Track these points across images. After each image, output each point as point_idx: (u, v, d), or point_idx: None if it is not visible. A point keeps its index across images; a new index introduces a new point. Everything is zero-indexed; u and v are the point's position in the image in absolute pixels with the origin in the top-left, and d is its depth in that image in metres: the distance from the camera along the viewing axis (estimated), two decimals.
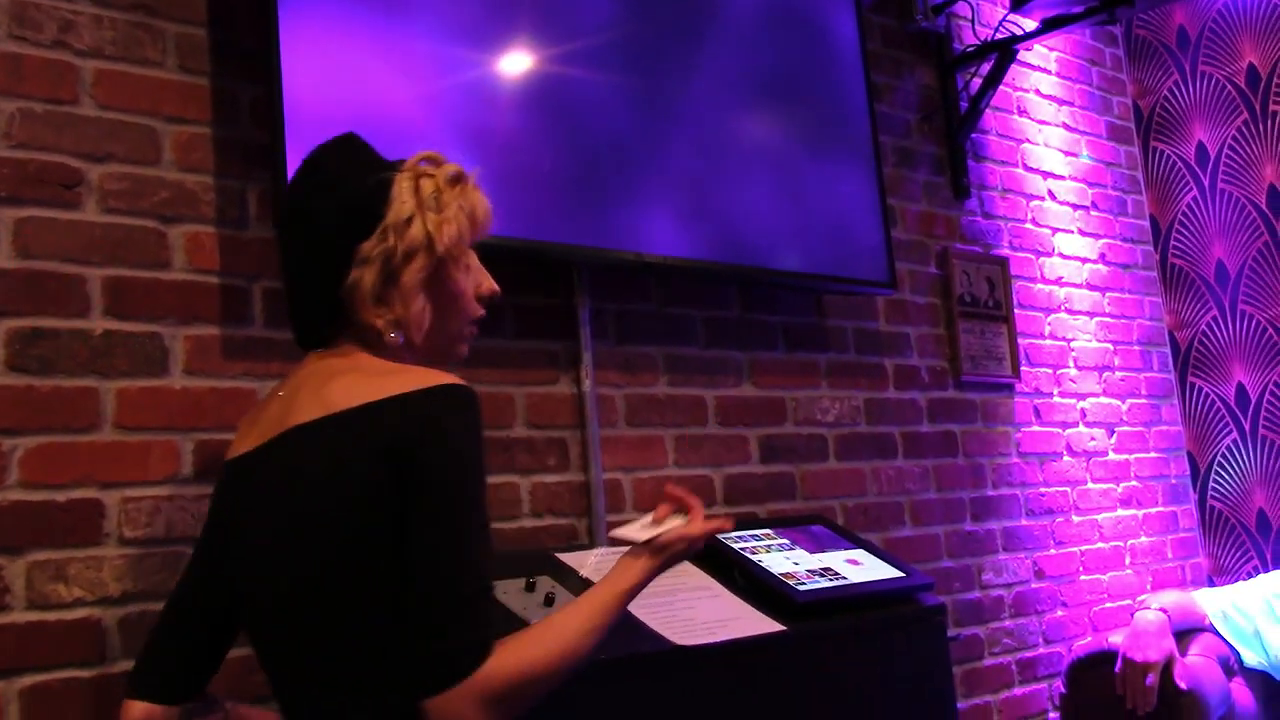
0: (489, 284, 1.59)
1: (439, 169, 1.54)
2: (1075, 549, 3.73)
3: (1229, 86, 4.21)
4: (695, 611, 2.16)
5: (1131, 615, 3.12)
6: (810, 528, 2.67)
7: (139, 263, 2.01)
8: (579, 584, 2.13)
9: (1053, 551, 3.65)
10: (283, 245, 1.56)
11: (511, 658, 1.32)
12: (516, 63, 2.45)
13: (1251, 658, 3.20)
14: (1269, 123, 4.10)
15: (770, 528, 2.60)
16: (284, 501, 1.41)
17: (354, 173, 1.50)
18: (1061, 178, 4.09)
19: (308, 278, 1.51)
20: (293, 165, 1.80)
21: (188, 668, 1.56)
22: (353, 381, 1.42)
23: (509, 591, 2.01)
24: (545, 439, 2.49)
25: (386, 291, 1.46)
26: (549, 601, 1.99)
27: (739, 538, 2.47)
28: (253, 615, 1.49)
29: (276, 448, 1.45)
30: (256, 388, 2.09)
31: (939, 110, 3.68)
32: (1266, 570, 4.01)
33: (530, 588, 2.04)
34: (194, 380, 2.04)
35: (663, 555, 1.56)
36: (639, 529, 1.58)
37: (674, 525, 1.58)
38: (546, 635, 1.39)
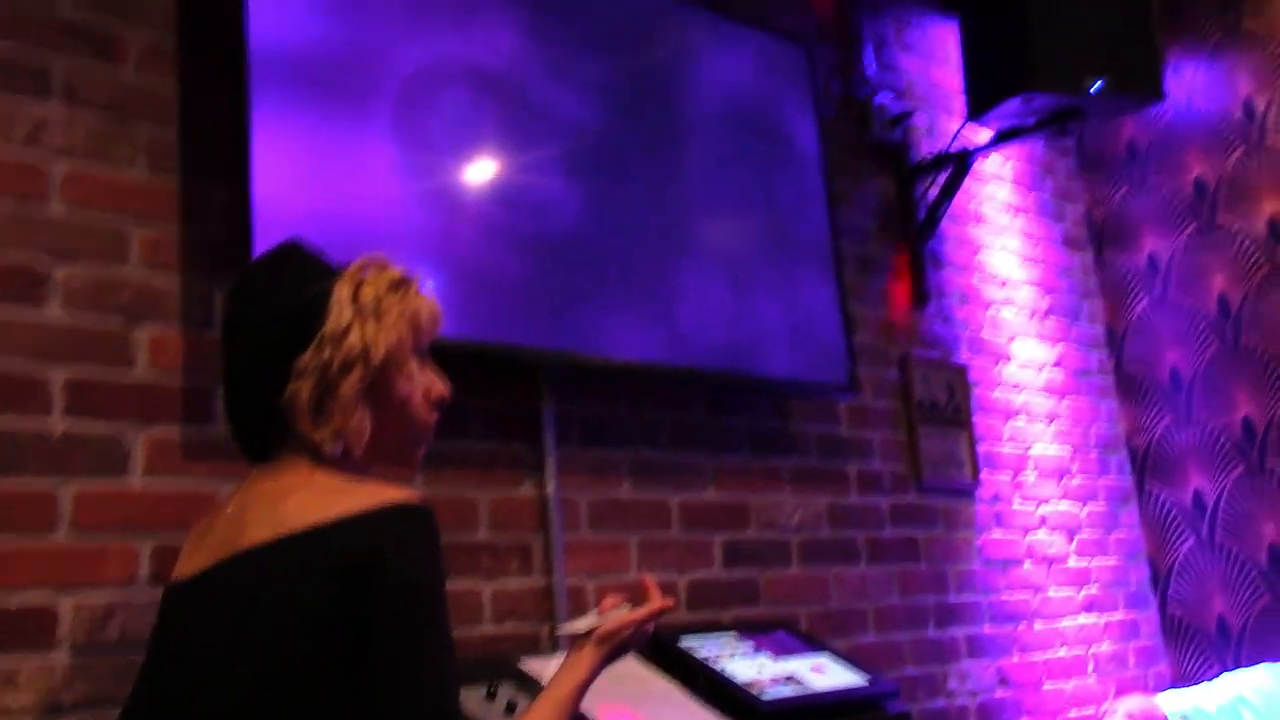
0: (439, 388, 1.56)
1: (381, 274, 1.51)
2: (1039, 656, 3.72)
3: (1178, 197, 4.33)
4: (660, 719, 2.13)
5: None
6: (774, 633, 2.65)
7: (102, 362, 1.99)
8: (541, 691, 2.09)
9: (1016, 659, 3.64)
10: (224, 355, 1.53)
11: None
12: (482, 169, 2.49)
13: None
14: (1216, 234, 4.21)
15: (735, 633, 2.57)
16: (234, 629, 1.36)
17: (293, 282, 1.48)
18: (1018, 284, 4.16)
19: (247, 389, 1.48)
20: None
21: None
22: (304, 500, 1.39)
23: (470, 699, 1.97)
24: (508, 543, 2.47)
25: (324, 403, 1.43)
26: (510, 709, 1.96)
27: (703, 644, 2.45)
28: None
29: (225, 572, 1.41)
30: (218, 489, 2.06)
31: (898, 218, 3.75)
32: None
33: (491, 695, 2.00)
34: (154, 482, 2.01)
35: (607, 645, 1.56)
36: (584, 622, 1.58)
37: (617, 615, 1.57)
38: None
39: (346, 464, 1.47)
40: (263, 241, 2.01)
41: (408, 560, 1.33)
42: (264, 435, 1.48)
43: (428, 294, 1.56)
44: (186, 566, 1.49)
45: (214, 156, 2.19)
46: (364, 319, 1.46)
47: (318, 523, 1.35)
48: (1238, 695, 3.21)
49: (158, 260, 2.10)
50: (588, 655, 1.55)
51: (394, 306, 1.49)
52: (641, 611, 1.61)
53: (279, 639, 1.32)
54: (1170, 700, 3.25)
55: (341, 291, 1.47)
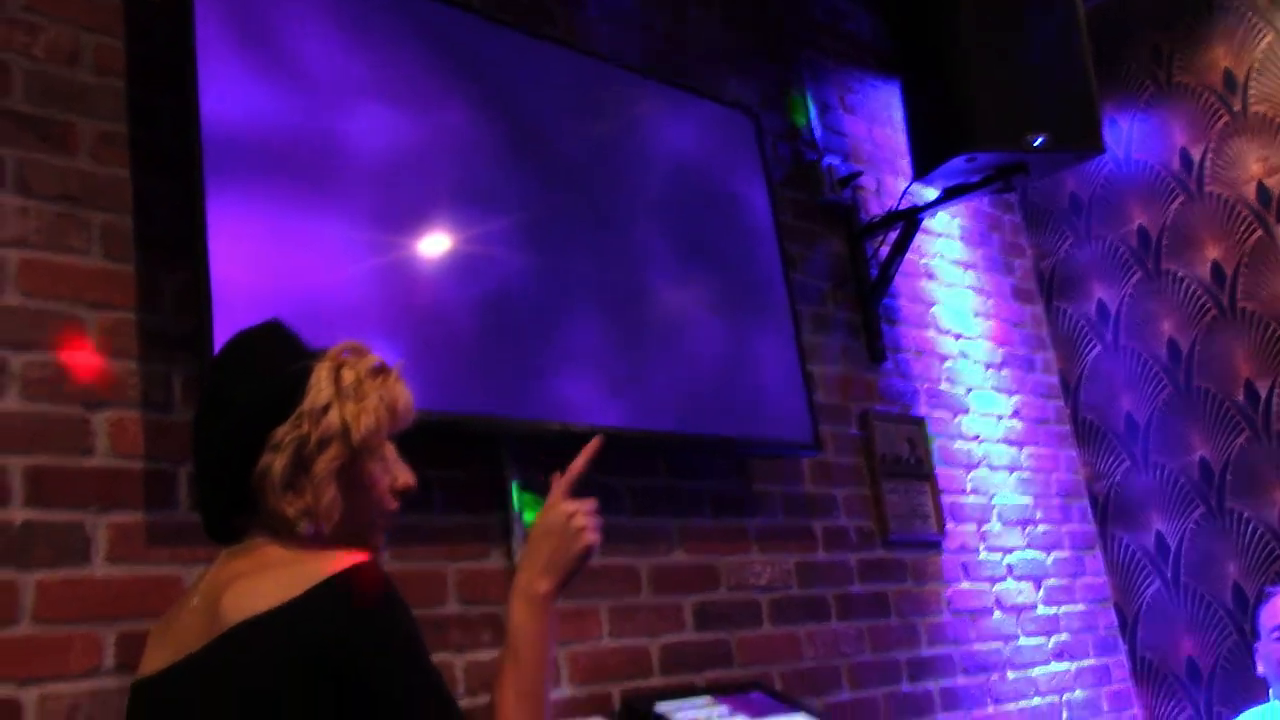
0: (405, 478, 1.55)
1: (361, 359, 1.52)
2: (1013, 705, 3.72)
3: (1122, 247, 4.42)
4: None
5: None
6: (749, 695, 2.65)
7: (62, 449, 1.98)
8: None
9: (991, 710, 3.64)
10: (196, 430, 1.52)
11: None
12: (438, 243, 2.51)
13: None
14: (1162, 279, 4.30)
15: (710, 694, 2.56)
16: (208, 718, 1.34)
17: (274, 359, 1.49)
18: (972, 338, 4.22)
19: (219, 462, 1.47)
20: (219, 348, 1.81)
21: None
22: (256, 584, 1.37)
23: None
24: (479, 614, 2.46)
25: (297, 479, 1.43)
26: None
27: (679, 709, 2.44)
28: None
29: (185, 670, 1.38)
30: (182, 574, 2.05)
31: (850, 277, 3.80)
32: None
33: None
34: (117, 569, 1.99)
35: (548, 573, 1.55)
36: None
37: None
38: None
39: (311, 545, 1.44)
40: (221, 323, 2.02)
41: (372, 626, 1.32)
42: (231, 512, 1.47)
43: (405, 384, 1.56)
44: (150, 663, 1.46)
45: (169, 241, 2.20)
46: (344, 399, 1.46)
47: (271, 606, 1.33)
48: None
49: (115, 347, 2.10)
50: (538, 597, 1.53)
51: (374, 390, 1.50)
52: (554, 493, 1.63)
53: None
54: None
55: (321, 371, 1.47)
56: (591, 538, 1.59)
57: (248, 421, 1.44)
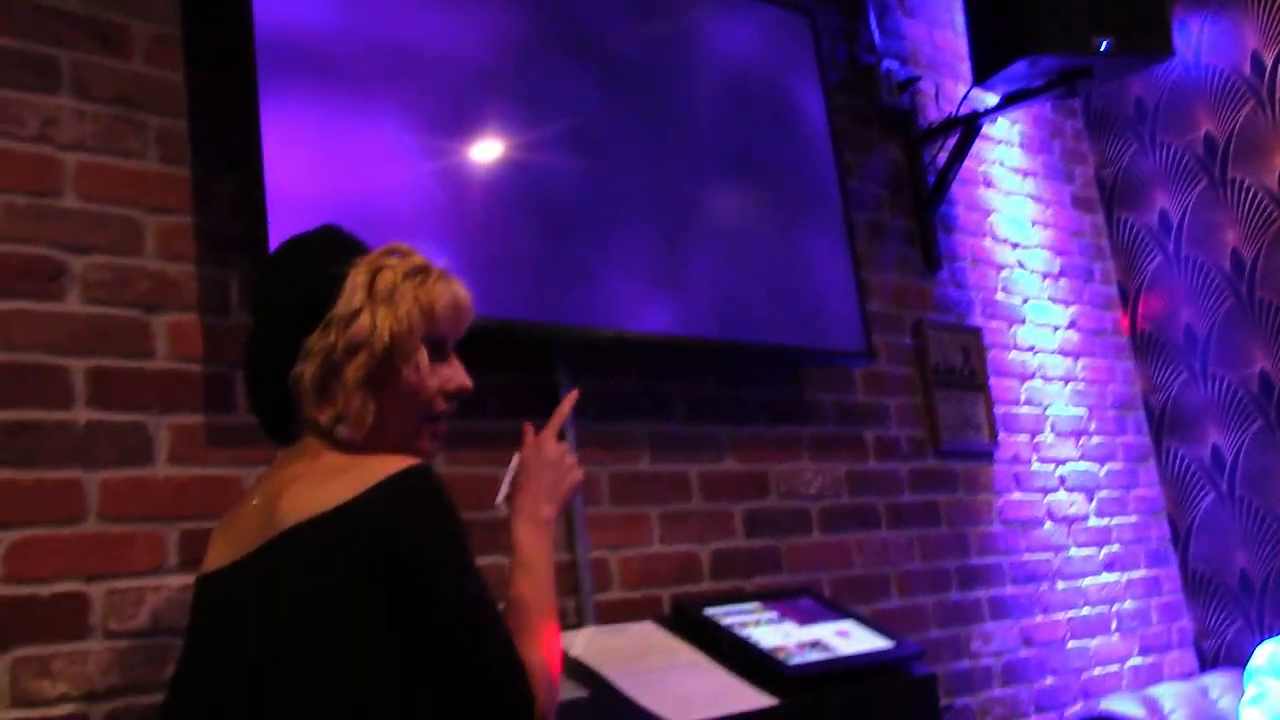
0: (460, 380, 1.53)
1: (402, 261, 1.50)
2: (1062, 615, 3.73)
3: (1188, 155, 4.31)
4: (687, 687, 2.15)
5: None
6: (798, 600, 2.67)
7: (122, 352, 2.01)
8: (570, 663, 2.11)
9: (1039, 619, 3.65)
10: (245, 341, 1.55)
11: (539, 673, 1.40)
12: (490, 148, 2.49)
13: None
14: (1228, 189, 4.19)
15: (758, 601, 2.59)
16: (257, 623, 1.37)
17: (315, 265, 1.48)
18: (1029, 247, 4.16)
19: (260, 370, 1.50)
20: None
21: None
22: (306, 490, 1.40)
23: None
24: None
25: (328, 386, 1.43)
26: None
27: (728, 613, 2.46)
28: None
29: (247, 567, 1.42)
30: (242, 475, 2.08)
31: (907, 184, 3.74)
32: (1251, 631, 4.02)
33: None
34: (178, 469, 2.03)
35: (544, 500, 1.61)
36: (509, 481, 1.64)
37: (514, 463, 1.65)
38: (531, 637, 1.45)
39: (360, 449, 1.47)
40: (276, 227, 2.02)
41: (425, 527, 1.35)
42: (281, 416, 1.50)
43: (451, 285, 1.53)
44: (214, 559, 1.50)
45: (225, 144, 2.20)
46: (375, 304, 1.45)
47: (321, 510, 1.36)
48: None
49: (173, 250, 2.11)
50: (542, 520, 1.60)
51: (408, 293, 1.47)
52: (548, 431, 1.68)
53: (310, 622, 1.33)
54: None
55: (358, 276, 1.46)
56: (580, 474, 1.67)
57: (283, 329, 1.46)
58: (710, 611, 2.45)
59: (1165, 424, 4.32)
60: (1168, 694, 3.50)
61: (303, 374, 1.43)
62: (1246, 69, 4.16)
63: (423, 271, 1.51)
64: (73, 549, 1.89)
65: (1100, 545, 3.99)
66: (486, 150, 2.48)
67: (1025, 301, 4.05)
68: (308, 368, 1.43)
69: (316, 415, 1.44)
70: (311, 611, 1.34)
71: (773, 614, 2.53)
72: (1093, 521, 3.99)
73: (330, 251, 1.51)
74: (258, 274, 1.57)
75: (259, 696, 1.36)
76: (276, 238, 1.97)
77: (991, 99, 3.74)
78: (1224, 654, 4.10)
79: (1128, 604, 4.01)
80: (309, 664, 1.33)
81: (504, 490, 1.63)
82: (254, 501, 1.49)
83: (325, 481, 1.39)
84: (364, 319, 1.44)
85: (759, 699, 2.17)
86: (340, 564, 1.33)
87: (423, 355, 1.49)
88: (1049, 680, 3.61)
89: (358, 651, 1.32)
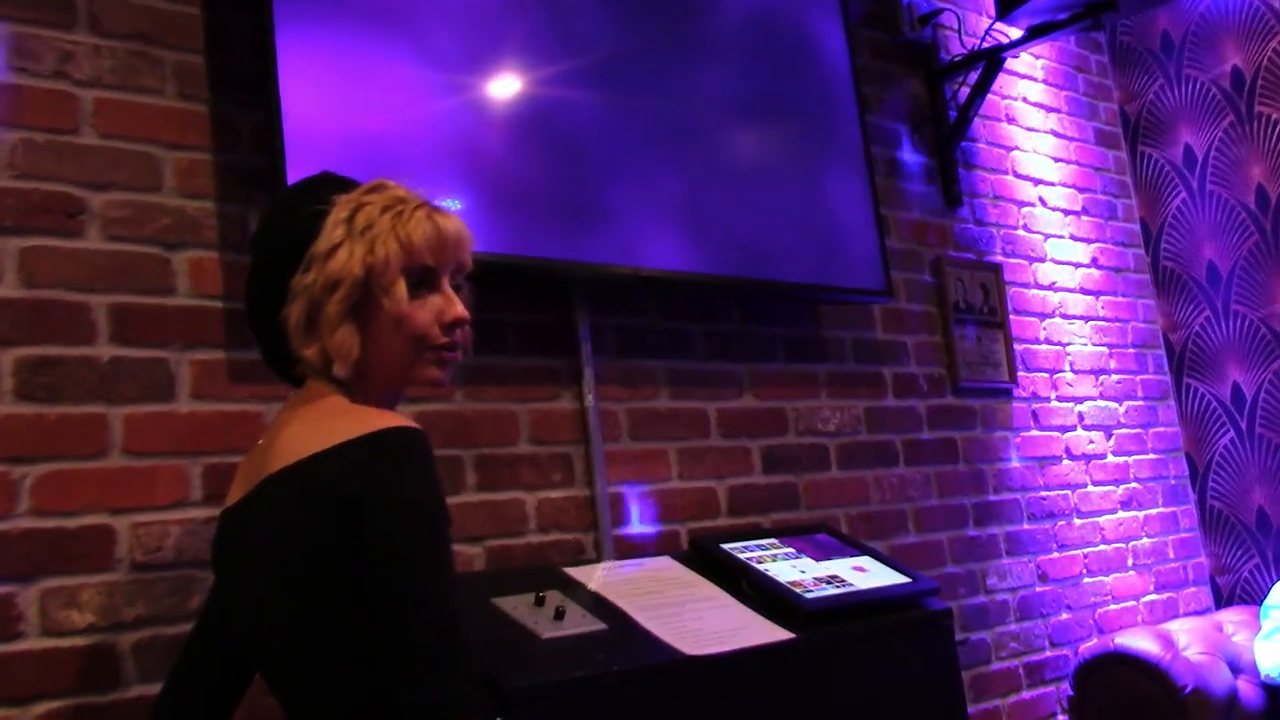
0: (455, 310, 1.51)
1: (380, 195, 1.50)
2: (1078, 551, 3.75)
3: (1214, 89, 4.25)
4: (704, 621, 2.17)
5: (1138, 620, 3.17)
6: (815, 536, 2.68)
7: (143, 289, 2.02)
8: (588, 597, 2.14)
9: (1055, 555, 3.66)
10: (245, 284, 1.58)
11: None
12: (509, 84, 2.48)
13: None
14: (1255, 124, 4.14)
15: (775, 537, 2.61)
16: (258, 556, 1.42)
17: (295, 211, 1.50)
18: (1051, 184, 4.12)
19: (254, 313, 1.54)
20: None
21: (208, 701, 1.58)
22: (300, 431, 1.43)
23: (519, 607, 2.02)
24: (549, 455, 2.50)
25: (313, 324, 1.46)
26: (559, 615, 2.00)
27: (745, 547, 2.48)
28: (255, 657, 1.51)
29: (253, 502, 1.46)
30: (263, 410, 2.10)
31: (928, 120, 3.70)
32: (1267, 568, 4.03)
33: (540, 602, 2.04)
34: (201, 405, 2.05)
35: None
36: None
37: None
38: None
39: (361, 386, 1.49)
40: (294, 163, 2.02)
41: (394, 486, 1.35)
42: (283, 359, 1.52)
43: (434, 217, 1.51)
44: (233, 494, 1.54)
45: (243, 80, 2.20)
46: (353, 239, 1.45)
47: (312, 451, 1.39)
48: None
49: (192, 187, 2.11)
50: None
51: (385, 226, 1.46)
52: None
53: (291, 569, 1.38)
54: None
55: (339, 214, 1.47)
56: None
57: (270, 273, 1.49)
58: (728, 547, 2.47)
59: (1185, 362, 4.30)
60: (1183, 630, 3.52)
61: (289, 315, 1.46)
62: (1276, 0, 4.08)
63: (401, 203, 1.49)
64: (98, 482, 1.91)
65: (1118, 483, 3.99)
66: (505, 85, 2.47)
67: (1046, 239, 4.02)
68: (294, 308, 1.46)
69: (306, 353, 1.46)
70: (283, 553, 1.38)
71: (790, 549, 2.55)
72: (1111, 459, 3.99)
73: (314, 194, 1.51)
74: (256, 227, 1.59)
75: (250, 635, 1.46)
76: (295, 173, 1.97)
77: (1015, 33, 3.69)
78: (1240, 591, 4.12)
79: (1144, 541, 4.02)
80: (279, 606, 1.39)
81: None
82: (261, 441, 1.54)
83: (315, 425, 1.42)
84: (341, 254, 1.44)
85: (776, 633, 2.19)
86: (309, 507, 1.36)
87: (400, 286, 1.46)
88: (1064, 615, 3.63)
89: (313, 606, 1.36)
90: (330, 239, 1.45)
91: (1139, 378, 4.23)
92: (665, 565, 2.41)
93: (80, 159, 2.00)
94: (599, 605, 2.12)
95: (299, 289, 1.45)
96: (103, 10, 2.07)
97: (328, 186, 1.53)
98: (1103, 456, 3.96)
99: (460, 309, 1.52)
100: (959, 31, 3.82)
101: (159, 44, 2.13)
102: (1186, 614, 4.01)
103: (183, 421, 2.02)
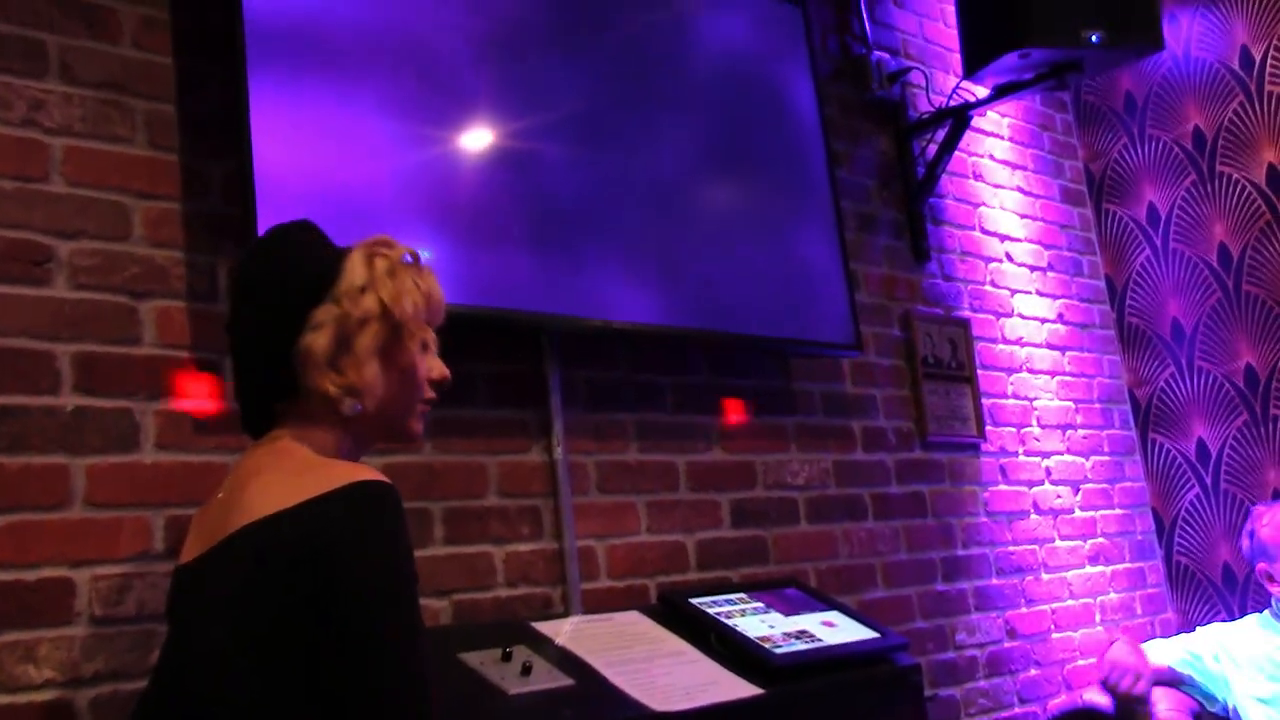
0: (441, 369, 1.59)
1: (392, 250, 1.56)
2: (1046, 607, 3.75)
3: (1176, 149, 4.32)
4: (673, 677, 2.15)
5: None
6: (784, 590, 2.68)
7: (109, 338, 2.00)
8: (556, 652, 2.12)
9: (1024, 610, 3.66)
10: (233, 317, 1.55)
11: None
12: (480, 137, 2.49)
13: (1214, 705, 3.25)
14: (1216, 183, 4.21)
15: (744, 591, 2.60)
16: (220, 611, 1.38)
17: (309, 247, 1.53)
18: (1018, 240, 4.16)
19: (257, 343, 1.50)
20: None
21: None
22: (269, 483, 1.40)
23: (485, 662, 2.00)
24: (518, 508, 2.49)
25: (340, 356, 1.46)
26: (526, 670, 1.98)
27: (714, 602, 2.47)
28: (211, 715, 1.43)
29: (214, 557, 1.42)
30: (228, 461, 2.08)
31: (897, 176, 3.74)
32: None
33: (507, 657, 2.02)
34: (165, 455, 2.03)
35: None
36: None
37: None
38: None
39: (350, 428, 1.49)
40: (265, 213, 2.02)
41: (367, 544, 1.34)
42: (271, 397, 1.51)
43: (434, 279, 1.60)
44: (188, 551, 1.52)
45: (213, 129, 2.19)
46: (379, 282, 1.50)
47: (279, 508, 1.36)
48: (1219, 643, 3.27)
49: (160, 236, 2.10)
50: None
51: (410, 276, 1.54)
52: None
53: (246, 625, 1.34)
54: (1160, 648, 3.31)
55: (356, 256, 1.52)
56: None
57: (286, 302, 1.47)
58: (696, 601, 2.45)
59: (1151, 418, 4.34)
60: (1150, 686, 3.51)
61: (312, 344, 1.45)
62: (1235, 63, 4.17)
63: (416, 260, 1.58)
64: (59, 534, 1.88)
65: (1085, 538, 4.00)
66: (477, 138, 2.48)
67: (1013, 294, 4.06)
68: (318, 338, 1.45)
69: (325, 385, 1.46)
70: (245, 614, 1.35)
71: (759, 604, 2.54)
72: (1078, 514, 4.01)
73: (320, 238, 1.56)
74: (241, 262, 1.58)
75: (206, 693, 1.38)
76: (265, 223, 1.97)
77: (981, 91, 3.74)
78: None
79: (1112, 596, 4.03)
80: (242, 662, 1.34)
81: None
82: (220, 495, 1.51)
83: (282, 478, 1.41)
84: (370, 296, 1.48)
85: (745, 689, 2.18)
86: (277, 564, 1.33)
87: (430, 334, 1.57)
88: (1033, 671, 3.62)
89: (276, 662, 1.33)
90: (358, 278, 1.49)
91: (1105, 433, 4.26)
92: (634, 620, 2.39)
93: (49, 207, 1.98)
94: (567, 660, 2.10)
95: (326, 320, 1.46)
96: (74, 59, 2.07)
97: (324, 236, 1.57)
98: (1070, 511, 3.98)
99: (446, 369, 1.60)
100: (927, 89, 3.88)
101: (130, 93, 2.12)
102: None
103: (146, 472, 2.00)
